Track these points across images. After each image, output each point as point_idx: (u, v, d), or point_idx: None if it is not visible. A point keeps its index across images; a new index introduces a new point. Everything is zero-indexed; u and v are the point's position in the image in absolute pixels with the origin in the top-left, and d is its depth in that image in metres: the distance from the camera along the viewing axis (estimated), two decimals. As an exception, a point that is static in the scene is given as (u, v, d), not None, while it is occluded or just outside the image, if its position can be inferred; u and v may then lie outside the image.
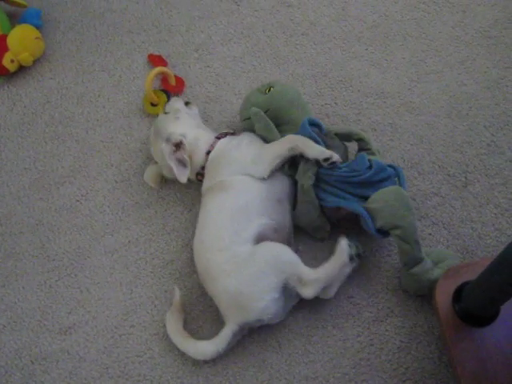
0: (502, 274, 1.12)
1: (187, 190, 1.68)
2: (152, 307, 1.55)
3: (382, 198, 1.40)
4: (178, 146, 1.54)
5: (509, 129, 1.65)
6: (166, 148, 1.53)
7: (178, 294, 1.50)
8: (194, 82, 1.85)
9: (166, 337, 1.50)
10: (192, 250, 1.56)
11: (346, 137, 1.57)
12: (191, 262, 1.57)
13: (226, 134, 1.60)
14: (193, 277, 1.55)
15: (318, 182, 1.47)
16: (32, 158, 1.81)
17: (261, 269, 1.37)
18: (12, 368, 1.52)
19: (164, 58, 1.90)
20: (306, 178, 1.46)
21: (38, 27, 1.97)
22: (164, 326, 1.51)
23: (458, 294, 1.31)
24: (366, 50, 1.84)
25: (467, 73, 1.76)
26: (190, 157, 1.55)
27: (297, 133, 1.50)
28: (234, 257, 1.39)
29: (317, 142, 1.47)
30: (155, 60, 1.89)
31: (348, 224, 1.53)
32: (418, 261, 1.39)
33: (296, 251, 1.46)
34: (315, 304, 1.46)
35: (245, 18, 1.96)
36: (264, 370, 1.42)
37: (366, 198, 1.43)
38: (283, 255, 1.40)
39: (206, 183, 1.54)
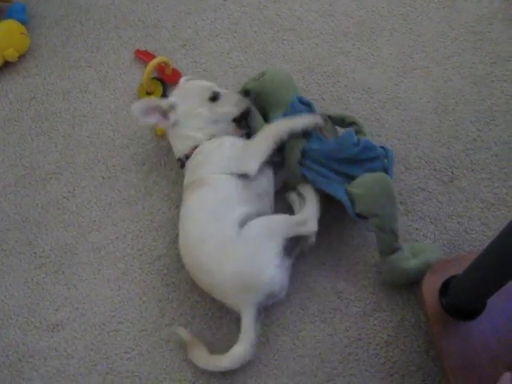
0: (488, 268, 1.13)
1: (174, 186, 1.67)
2: (140, 303, 1.54)
3: (365, 184, 1.41)
4: (171, 108, 1.57)
5: (495, 124, 1.66)
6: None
7: (183, 332, 1.45)
8: (181, 78, 1.84)
9: (154, 333, 1.50)
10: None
11: (339, 121, 1.58)
12: (179, 257, 1.56)
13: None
14: (181, 272, 1.55)
15: (304, 159, 1.49)
16: (18, 154, 1.79)
17: (255, 241, 1.37)
18: (-1, 365, 1.52)
19: (152, 52, 1.89)
20: (292, 155, 1.49)
21: (23, 22, 1.95)
22: (153, 322, 1.51)
23: (445, 288, 1.32)
24: (353, 45, 1.84)
25: (453, 68, 1.77)
26: (184, 137, 1.57)
27: (287, 111, 1.53)
28: (222, 243, 1.38)
29: None
30: (143, 55, 1.88)
31: (333, 202, 1.51)
32: (393, 250, 1.41)
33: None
34: (303, 299, 1.47)
35: (232, 14, 1.95)
36: (252, 365, 1.42)
37: (352, 177, 1.45)
38: (272, 220, 1.42)
39: (187, 179, 1.54)
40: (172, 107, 1.57)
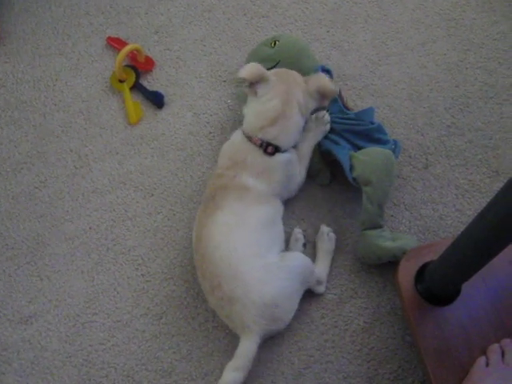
0: (462, 254, 1.13)
1: (148, 175, 1.66)
2: (114, 294, 1.52)
3: (369, 153, 1.46)
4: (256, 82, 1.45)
5: (469, 110, 1.67)
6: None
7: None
8: (154, 65, 1.82)
9: (129, 324, 1.48)
10: (155, 235, 1.56)
11: None
12: (153, 247, 1.55)
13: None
14: (155, 262, 1.54)
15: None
16: (-13, 144, 1.76)
17: (295, 281, 1.36)
18: (-29, 359, 1.49)
19: (124, 40, 1.86)
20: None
21: (-9, 9, 1.91)
22: (128, 312, 1.49)
23: (420, 274, 1.33)
24: (328, 32, 1.83)
25: (427, 55, 1.77)
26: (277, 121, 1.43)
27: None
28: (267, 265, 1.34)
29: None
30: (115, 42, 1.85)
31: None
32: (375, 225, 1.43)
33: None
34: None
35: (205, 0, 1.93)
36: (229, 355, 1.41)
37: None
38: (310, 266, 1.42)
39: (230, 173, 1.43)
40: None
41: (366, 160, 1.44)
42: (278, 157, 1.43)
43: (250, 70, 1.45)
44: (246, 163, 1.42)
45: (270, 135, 1.43)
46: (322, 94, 1.47)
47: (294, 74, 1.51)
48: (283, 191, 1.48)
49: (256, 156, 1.42)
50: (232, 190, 1.40)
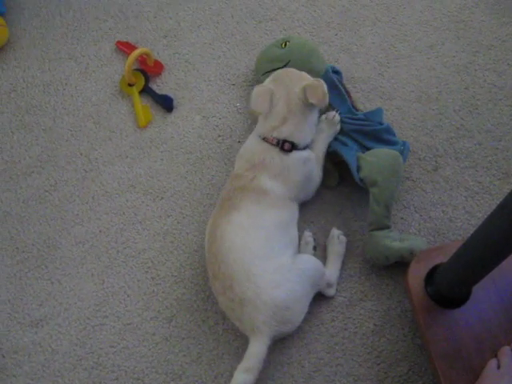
0: (472, 256, 1.13)
1: (158, 178, 1.66)
2: (125, 297, 1.53)
3: (377, 154, 1.47)
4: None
5: (478, 112, 1.67)
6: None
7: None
8: (163, 69, 1.83)
9: (139, 326, 1.49)
10: (165, 238, 1.56)
11: None
12: (163, 250, 1.56)
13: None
14: (165, 265, 1.54)
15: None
16: (-2, 148, 1.77)
17: (306, 284, 1.37)
18: (-18, 362, 1.50)
19: (133, 44, 1.87)
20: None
21: (1, 14, 1.92)
22: (138, 315, 1.50)
23: (430, 277, 1.33)
24: (336, 35, 1.84)
25: (436, 57, 1.77)
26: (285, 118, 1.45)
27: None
28: (279, 267, 1.34)
29: (338, 87, 1.58)
30: (125, 46, 1.86)
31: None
32: (382, 226, 1.43)
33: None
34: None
35: (213, 4, 1.94)
36: (239, 357, 1.41)
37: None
38: (321, 269, 1.42)
39: (249, 174, 1.44)
40: None
41: (373, 161, 1.45)
42: (295, 154, 1.45)
43: (261, 104, 1.46)
44: (265, 164, 1.43)
45: (285, 133, 1.44)
46: (312, 103, 1.46)
47: (293, 73, 1.52)
48: (301, 193, 1.49)
49: (273, 155, 1.43)
50: (250, 192, 1.41)
